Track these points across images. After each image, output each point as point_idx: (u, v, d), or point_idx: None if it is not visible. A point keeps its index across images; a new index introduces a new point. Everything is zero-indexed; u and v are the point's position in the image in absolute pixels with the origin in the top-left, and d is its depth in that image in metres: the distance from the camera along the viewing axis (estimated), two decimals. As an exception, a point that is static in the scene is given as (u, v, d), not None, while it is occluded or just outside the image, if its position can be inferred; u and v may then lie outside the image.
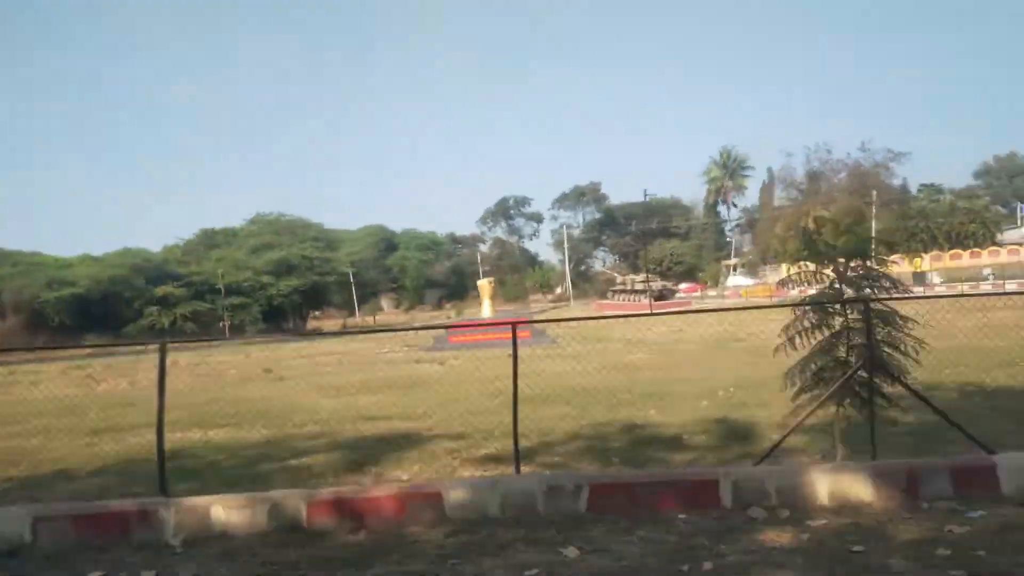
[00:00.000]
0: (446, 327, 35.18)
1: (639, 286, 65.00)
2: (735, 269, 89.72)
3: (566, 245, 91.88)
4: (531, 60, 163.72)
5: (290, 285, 66.23)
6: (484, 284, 33.90)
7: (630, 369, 16.82)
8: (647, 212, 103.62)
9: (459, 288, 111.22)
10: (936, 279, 56.27)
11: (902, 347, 6.58)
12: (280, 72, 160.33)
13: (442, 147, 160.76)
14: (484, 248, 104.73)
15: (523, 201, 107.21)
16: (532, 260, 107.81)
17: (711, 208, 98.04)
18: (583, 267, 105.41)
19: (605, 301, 70.52)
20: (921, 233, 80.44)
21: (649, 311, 56.10)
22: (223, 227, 77.90)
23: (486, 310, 32.88)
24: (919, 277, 58.84)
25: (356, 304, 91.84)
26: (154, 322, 60.62)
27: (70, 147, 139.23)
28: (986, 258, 77.42)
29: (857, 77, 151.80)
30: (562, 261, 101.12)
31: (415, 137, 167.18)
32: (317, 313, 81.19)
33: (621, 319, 25.29)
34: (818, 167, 50.01)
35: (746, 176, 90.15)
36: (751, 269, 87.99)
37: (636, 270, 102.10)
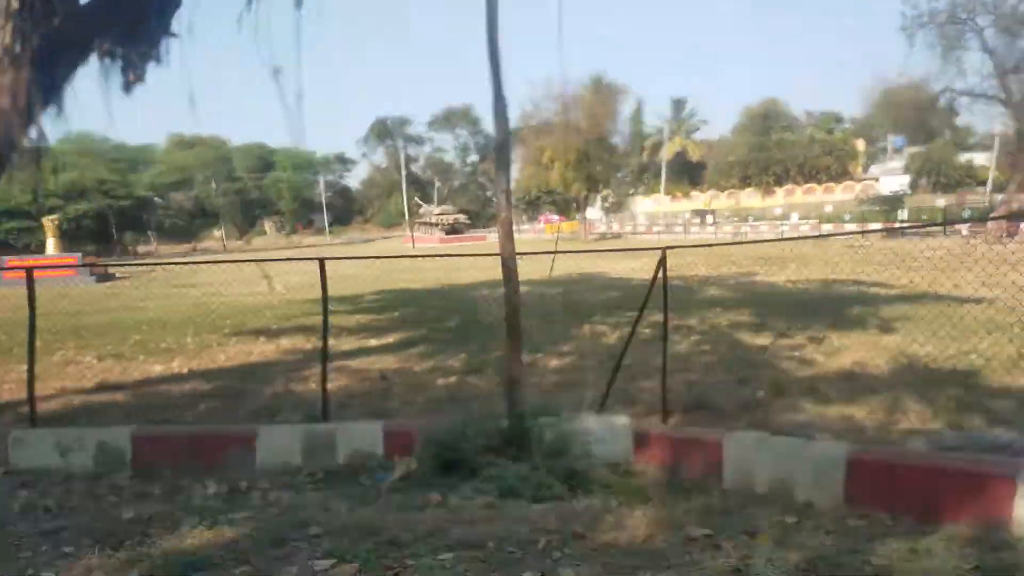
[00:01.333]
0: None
1: (435, 219, 62.14)
2: (605, 201, 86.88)
3: (404, 171, 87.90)
4: None
5: (79, 209, 63.28)
6: (47, 222, 31.42)
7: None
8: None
9: (345, 212, 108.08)
10: (710, 219, 53.40)
11: None
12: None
13: (333, 62, 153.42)
14: (353, 171, 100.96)
15: (402, 122, 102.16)
16: (421, 185, 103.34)
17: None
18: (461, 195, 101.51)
19: (416, 234, 67.75)
20: (774, 166, 76.87)
21: (413, 248, 53.39)
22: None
23: (50, 248, 30.71)
24: (703, 215, 56.06)
25: (223, 227, 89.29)
26: (-78, 246, 58.24)
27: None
28: (839, 193, 74.27)
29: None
30: (440, 187, 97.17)
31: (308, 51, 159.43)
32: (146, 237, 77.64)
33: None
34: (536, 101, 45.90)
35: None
36: (617, 204, 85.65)
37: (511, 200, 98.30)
